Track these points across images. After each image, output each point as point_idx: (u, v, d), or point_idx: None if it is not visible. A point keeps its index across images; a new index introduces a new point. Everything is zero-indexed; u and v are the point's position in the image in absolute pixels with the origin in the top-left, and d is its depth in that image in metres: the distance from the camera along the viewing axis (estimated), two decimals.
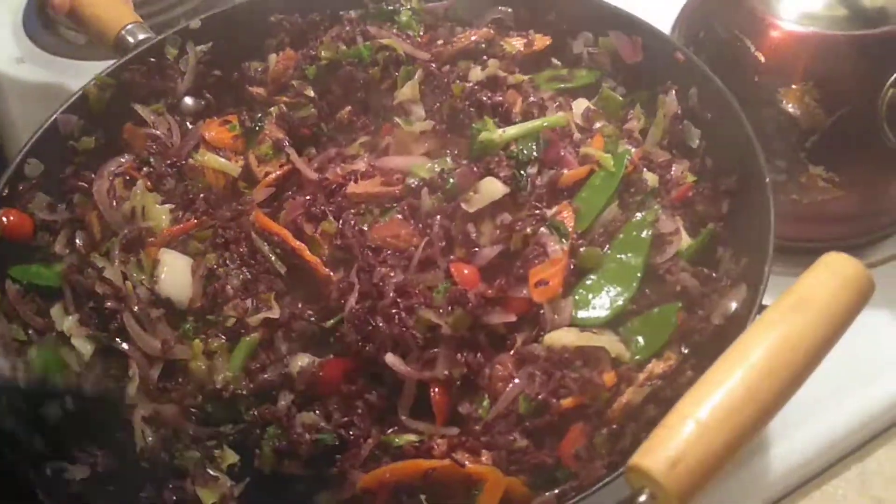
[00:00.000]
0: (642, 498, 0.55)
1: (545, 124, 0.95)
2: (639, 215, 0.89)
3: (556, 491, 0.72)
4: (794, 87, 0.94)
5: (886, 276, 1.03)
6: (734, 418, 0.56)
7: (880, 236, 1.06)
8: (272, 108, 1.10)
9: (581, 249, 0.86)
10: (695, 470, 0.54)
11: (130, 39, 1.13)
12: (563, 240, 0.85)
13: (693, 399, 0.57)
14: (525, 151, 0.92)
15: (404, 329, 0.80)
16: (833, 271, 0.63)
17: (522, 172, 0.91)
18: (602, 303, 0.84)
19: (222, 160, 1.06)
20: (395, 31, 1.11)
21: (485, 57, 1.07)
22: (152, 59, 1.11)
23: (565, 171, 0.93)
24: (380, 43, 1.07)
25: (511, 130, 0.94)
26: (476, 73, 1.03)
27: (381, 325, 0.81)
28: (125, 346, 0.91)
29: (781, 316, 0.60)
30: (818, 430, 0.92)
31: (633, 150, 0.96)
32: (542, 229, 0.86)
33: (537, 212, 0.89)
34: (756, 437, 0.58)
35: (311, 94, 1.09)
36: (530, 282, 0.82)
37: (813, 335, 0.60)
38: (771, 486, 0.90)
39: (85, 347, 0.91)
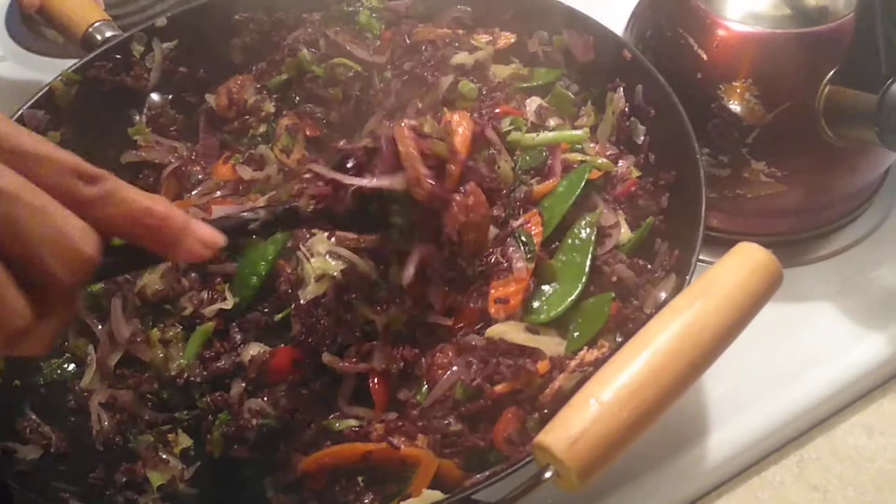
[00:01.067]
0: (547, 474, 0.58)
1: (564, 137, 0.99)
2: (588, 217, 0.92)
3: (487, 472, 0.74)
4: (735, 84, 0.97)
5: (828, 270, 1.07)
6: (636, 399, 0.59)
7: (825, 231, 1.09)
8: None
9: (545, 263, 0.88)
10: (594, 447, 0.57)
11: (98, 37, 1.16)
12: (529, 255, 0.87)
13: (598, 381, 0.60)
14: (529, 160, 0.97)
15: (343, 323, 0.83)
16: (743, 260, 0.66)
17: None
18: (550, 303, 0.87)
19: None
20: (353, 33, 1.14)
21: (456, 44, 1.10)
22: (118, 56, 1.15)
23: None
24: (333, 63, 1.09)
25: (547, 135, 0.98)
26: (463, 58, 1.05)
27: (321, 320, 0.84)
28: (100, 327, 0.94)
29: (688, 302, 0.63)
30: (756, 419, 0.94)
31: (594, 146, 0.99)
32: (510, 240, 0.89)
33: (513, 222, 0.91)
34: (659, 418, 0.60)
35: (272, 108, 1.14)
36: (490, 296, 0.85)
37: (717, 321, 0.62)
38: (709, 473, 0.92)
39: None
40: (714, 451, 0.92)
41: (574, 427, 0.57)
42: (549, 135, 1.00)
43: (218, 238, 0.58)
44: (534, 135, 0.99)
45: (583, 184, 0.93)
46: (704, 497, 0.93)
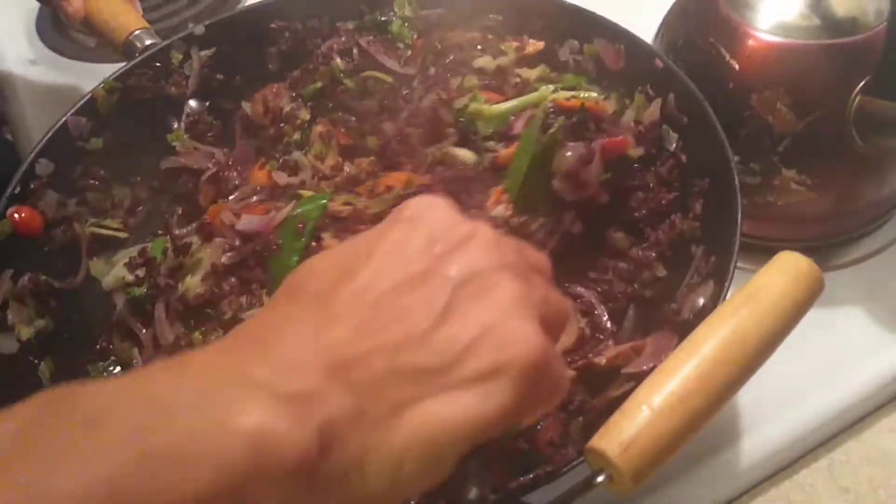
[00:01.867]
0: (600, 478, 0.60)
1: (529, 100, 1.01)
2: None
3: (531, 476, 0.76)
4: (766, 93, 0.99)
5: (856, 275, 1.09)
6: (685, 405, 0.61)
7: (852, 237, 1.10)
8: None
9: None
10: (647, 452, 0.59)
11: (137, 44, 1.18)
12: None
13: (648, 387, 0.62)
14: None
15: None
16: (785, 269, 0.68)
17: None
18: None
19: None
20: (385, 42, 1.16)
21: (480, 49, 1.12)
22: (157, 64, 1.17)
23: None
24: (365, 76, 1.11)
25: (503, 106, 1.00)
26: (485, 61, 1.07)
27: None
28: (143, 331, 0.97)
29: (733, 310, 0.65)
30: (786, 423, 0.96)
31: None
32: None
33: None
34: (707, 423, 0.62)
35: (307, 116, 1.16)
36: None
37: (762, 328, 0.64)
38: (743, 476, 0.94)
39: None
40: (745, 455, 0.94)
41: (626, 432, 0.59)
42: (513, 102, 1.01)
43: None
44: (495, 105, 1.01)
45: (546, 132, 0.93)
46: (736, 500, 0.95)
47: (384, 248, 0.52)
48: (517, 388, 0.47)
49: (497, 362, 0.47)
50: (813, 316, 1.02)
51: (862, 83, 0.96)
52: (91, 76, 1.15)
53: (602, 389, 0.80)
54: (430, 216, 0.53)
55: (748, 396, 0.98)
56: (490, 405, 0.47)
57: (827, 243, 1.10)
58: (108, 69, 1.16)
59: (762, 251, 0.91)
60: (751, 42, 1.00)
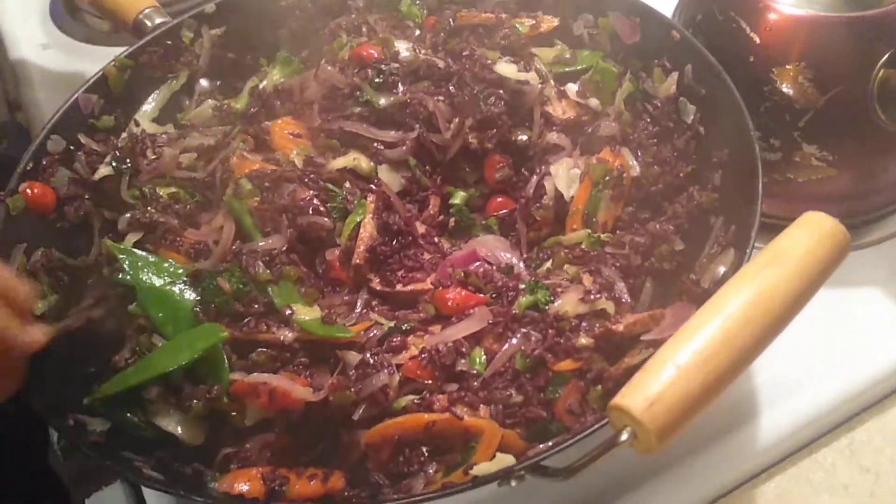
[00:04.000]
0: (624, 436, 0.59)
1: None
2: None
3: (550, 443, 0.74)
4: (788, 67, 0.97)
5: (877, 256, 1.07)
6: (711, 363, 0.59)
7: (874, 216, 1.08)
8: None
9: None
10: (672, 409, 0.57)
11: (148, 23, 1.18)
12: None
13: (673, 345, 0.61)
14: None
15: None
16: (810, 228, 0.67)
17: None
18: None
19: None
20: (396, 20, 1.15)
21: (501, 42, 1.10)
22: (169, 42, 1.16)
23: None
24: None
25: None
26: (508, 69, 1.04)
27: None
28: None
29: (758, 269, 0.64)
30: (807, 400, 0.94)
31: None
32: None
33: None
34: (732, 382, 0.60)
35: None
36: None
37: (788, 287, 0.63)
38: (761, 454, 0.93)
39: None
40: (765, 433, 0.93)
41: (651, 389, 0.58)
42: None
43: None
44: None
45: None
46: (756, 478, 0.93)
47: None
48: None
49: None
50: (834, 295, 1.01)
51: (886, 57, 0.94)
52: (104, 60, 1.14)
53: (619, 357, 0.79)
54: None
55: (768, 374, 0.96)
56: None
57: (848, 223, 1.06)
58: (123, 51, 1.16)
59: (780, 230, 0.88)
60: (772, 15, 0.98)
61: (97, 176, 1.04)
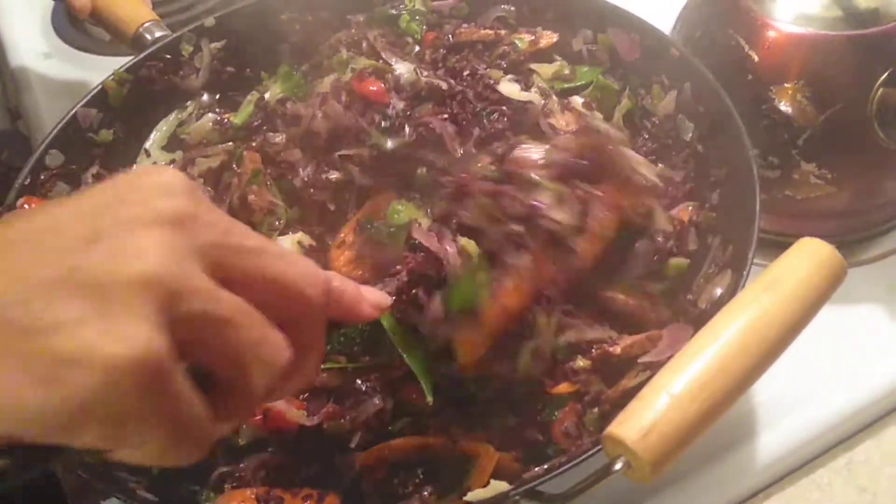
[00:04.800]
0: (618, 465, 0.59)
1: None
2: None
3: (545, 466, 0.74)
4: (786, 85, 0.97)
5: (876, 273, 1.07)
6: (706, 391, 0.59)
7: (873, 234, 1.08)
8: None
9: None
10: (667, 438, 0.57)
11: (148, 37, 1.18)
12: None
13: (667, 373, 0.60)
14: None
15: None
16: (806, 255, 0.66)
17: None
18: None
19: None
20: (395, 36, 1.15)
21: (500, 61, 1.10)
22: (168, 56, 1.16)
23: None
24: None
25: None
26: (511, 89, 1.04)
27: None
28: None
29: (754, 297, 0.64)
30: (805, 420, 0.94)
31: None
32: None
33: None
34: (728, 410, 0.60)
35: None
36: None
37: (784, 314, 0.63)
38: (759, 474, 0.92)
39: None
40: (762, 452, 0.92)
41: (645, 419, 0.58)
42: None
43: (385, 300, 0.64)
44: None
45: None
46: (753, 497, 0.93)
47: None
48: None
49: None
50: (832, 313, 1.00)
51: (884, 75, 0.94)
52: (105, 70, 1.15)
53: (617, 380, 0.79)
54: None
55: (765, 393, 0.96)
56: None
57: (846, 240, 1.08)
58: (123, 63, 1.16)
59: (779, 247, 0.88)
60: (771, 33, 0.98)
61: None
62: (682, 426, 0.58)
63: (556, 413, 0.78)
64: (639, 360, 0.78)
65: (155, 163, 1.10)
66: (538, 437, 0.78)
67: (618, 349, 0.78)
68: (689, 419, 0.58)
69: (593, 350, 0.80)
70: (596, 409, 0.77)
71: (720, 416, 0.60)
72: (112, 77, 1.13)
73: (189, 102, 1.18)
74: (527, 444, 0.78)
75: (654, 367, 0.76)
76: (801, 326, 0.64)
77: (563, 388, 0.79)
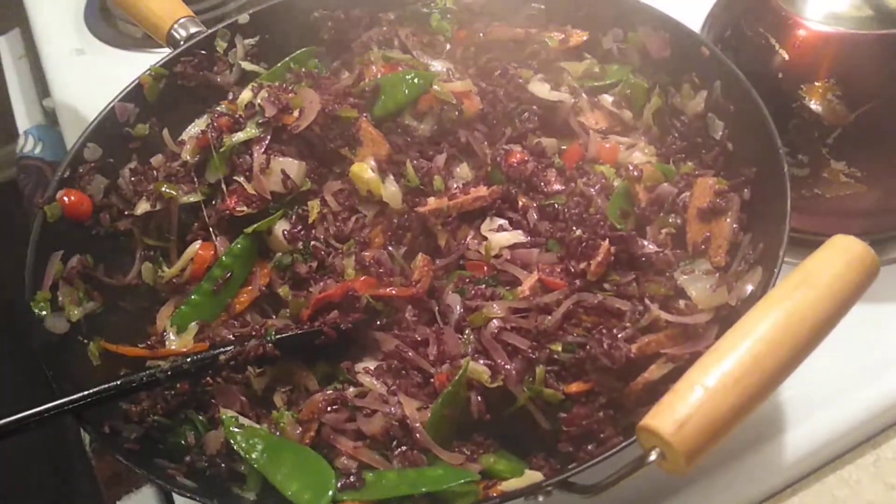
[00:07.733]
0: (652, 456, 0.60)
1: None
2: None
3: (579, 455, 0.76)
4: (816, 84, 0.97)
5: None
6: (740, 385, 0.60)
7: None
8: None
9: None
10: (701, 431, 0.58)
11: (182, 32, 1.20)
12: None
13: (701, 367, 0.61)
14: None
15: None
16: (839, 251, 0.67)
17: None
18: None
19: None
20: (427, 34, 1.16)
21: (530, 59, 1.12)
22: (203, 52, 1.18)
23: None
24: None
25: None
26: (541, 89, 1.06)
27: None
28: None
29: (787, 293, 0.64)
30: (834, 416, 0.94)
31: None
32: None
33: None
34: (760, 405, 0.61)
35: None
36: None
37: (817, 310, 0.63)
38: (787, 470, 0.93)
39: None
40: (790, 449, 0.93)
41: (680, 412, 0.59)
42: None
43: None
44: None
45: None
46: (780, 493, 0.94)
47: None
48: None
49: None
50: (860, 311, 1.00)
51: None
52: (137, 66, 1.17)
53: (633, 377, 0.79)
54: None
55: (794, 390, 0.96)
56: None
57: (875, 238, 1.07)
58: (156, 59, 1.18)
59: (809, 245, 0.88)
60: (801, 32, 0.98)
61: (138, 211, 1.06)
62: (716, 419, 0.59)
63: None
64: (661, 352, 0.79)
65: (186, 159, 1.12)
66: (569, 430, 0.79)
67: (633, 348, 0.78)
68: (724, 412, 0.59)
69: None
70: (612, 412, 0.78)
71: (753, 410, 0.61)
72: (148, 72, 1.14)
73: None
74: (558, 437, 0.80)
75: (676, 360, 0.77)
76: (834, 322, 0.65)
77: (577, 386, 0.80)
